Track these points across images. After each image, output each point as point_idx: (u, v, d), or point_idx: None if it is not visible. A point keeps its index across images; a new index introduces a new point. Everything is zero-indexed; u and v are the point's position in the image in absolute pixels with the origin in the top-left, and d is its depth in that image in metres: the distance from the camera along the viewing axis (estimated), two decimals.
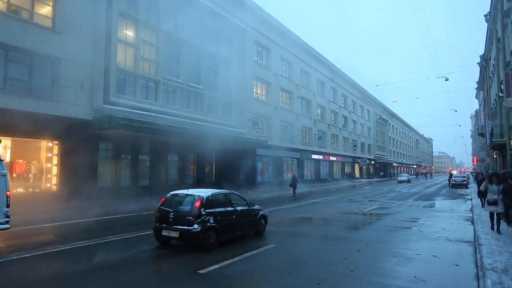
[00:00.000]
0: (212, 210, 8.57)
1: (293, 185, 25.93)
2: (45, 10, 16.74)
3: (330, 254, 8.27)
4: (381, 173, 70.21)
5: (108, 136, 17.96)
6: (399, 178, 52.42)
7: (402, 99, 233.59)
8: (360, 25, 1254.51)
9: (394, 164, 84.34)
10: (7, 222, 7.81)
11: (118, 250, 8.27)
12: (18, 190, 15.10)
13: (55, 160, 16.38)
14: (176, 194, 9.04)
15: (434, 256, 7.94)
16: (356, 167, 59.52)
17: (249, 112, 29.31)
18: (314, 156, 42.30)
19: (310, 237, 10.25)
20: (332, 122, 49.49)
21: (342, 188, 36.04)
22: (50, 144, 16.46)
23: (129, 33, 20.33)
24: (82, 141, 16.60)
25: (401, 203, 20.51)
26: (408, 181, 51.80)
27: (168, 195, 9.16)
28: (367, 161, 62.04)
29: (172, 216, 8.36)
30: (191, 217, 8.12)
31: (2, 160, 8.12)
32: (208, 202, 8.53)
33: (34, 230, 10.49)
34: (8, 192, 8.01)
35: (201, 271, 6.57)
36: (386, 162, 74.94)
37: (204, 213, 8.29)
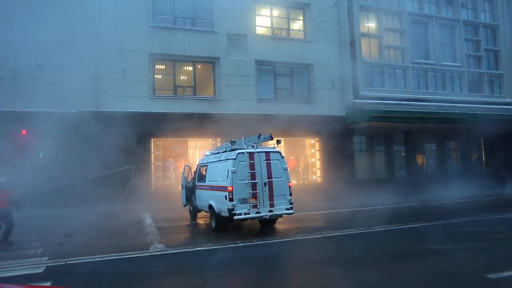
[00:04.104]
0: None
1: None
2: (297, 25, 19.14)
3: None
4: None
5: (361, 129, 18.48)
6: None
7: None
8: None
9: None
10: (291, 208, 9.29)
11: (387, 242, 8.24)
12: (292, 182, 17.80)
13: (317, 155, 18.36)
14: None
15: None
16: None
17: None
18: None
19: None
20: None
21: None
22: (312, 141, 18.58)
23: (371, 25, 20.25)
24: (338, 136, 17.81)
25: None
26: None
27: None
28: None
29: None
30: None
31: (283, 157, 9.76)
32: None
33: (309, 216, 12.01)
34: (290, 183, 9.52)
35: (490, 276, 5.51)
36: None
37: None
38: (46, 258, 7.10)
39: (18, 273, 6.17)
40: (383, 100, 18.41)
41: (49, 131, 12.82)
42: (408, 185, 18.37)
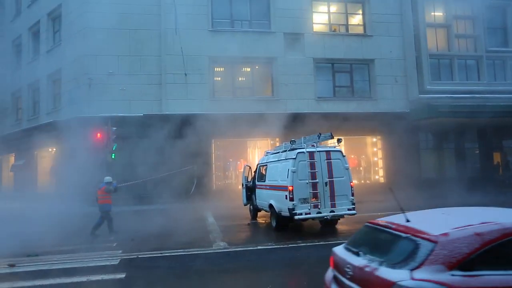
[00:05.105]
0: None
1: None
2: (356, 19, 18.51)
3: None
4: None
5: (427, 125, 17.37)
6: None
7: None
8: None
9: None
10: (353, 209, 9.00)
11: None
12: (354, 181, 17.25)
13: (379, 154, 17.60)
14: None
15: None
16: None
17: None
18: None
19: None
20: None
21: None
22: (374, 140, 17.86)
23: (438, 14, 18.91)
24: (401, 134, 16.84)
25: None
26: None
27: None
28: None
29: None
30: None
31: (345, 156, 9.48)
32: None
33: (372, 218, 11.25)
34: (351, 183, 9.23)
35: None
36: None
37: None
38: (120, 251, 7.65)
39: (98, 264, 6.72)
40: (453, 94, 17.06)
41: (120, 134, 13.82)
42: (484, 185, 16.83)
